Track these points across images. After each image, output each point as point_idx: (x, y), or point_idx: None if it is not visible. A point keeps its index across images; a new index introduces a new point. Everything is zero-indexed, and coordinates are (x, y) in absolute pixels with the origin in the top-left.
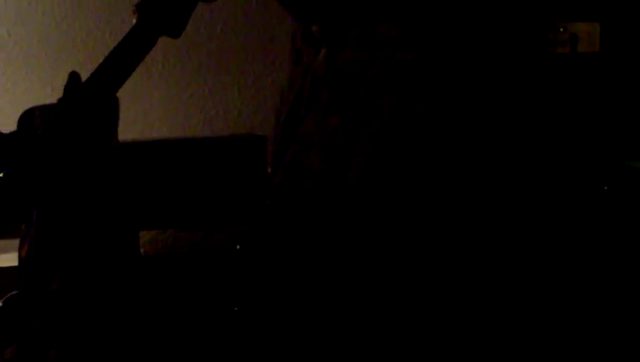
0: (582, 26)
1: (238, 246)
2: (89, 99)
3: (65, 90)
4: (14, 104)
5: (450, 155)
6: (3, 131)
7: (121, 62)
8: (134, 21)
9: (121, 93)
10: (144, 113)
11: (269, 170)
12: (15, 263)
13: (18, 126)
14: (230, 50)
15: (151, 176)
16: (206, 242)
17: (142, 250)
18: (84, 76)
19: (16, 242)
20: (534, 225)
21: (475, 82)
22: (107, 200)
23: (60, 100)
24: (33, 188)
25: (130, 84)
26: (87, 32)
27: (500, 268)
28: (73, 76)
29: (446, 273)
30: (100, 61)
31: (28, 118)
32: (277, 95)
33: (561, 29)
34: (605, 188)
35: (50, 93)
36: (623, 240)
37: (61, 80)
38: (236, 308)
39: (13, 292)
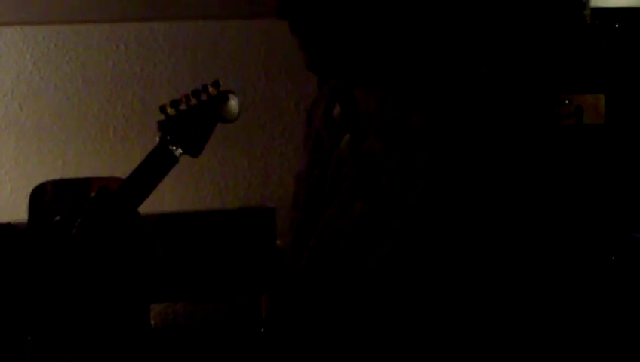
0: (587, 98)
1: (262, 330)
2: (113, 214)
3: (91, 202)
4: (26, 177)
5: (471, 239)
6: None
7: (144, 180)
8: (157, 139)
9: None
10: None
11: (278, 242)
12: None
13: (30, 201)
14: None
15: (162, 248)
16: (216, 314)
17: (152, 322)
18: (93, 150)
19: None
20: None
21: (493, 168)
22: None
23: (87, 209)
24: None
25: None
26: (98, 106)
27: (510, 335)
28: (102, 190)
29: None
30: (111, 137)
31: (40, 192)
32: (286, 167)
33: (567, 101)
34: (613, 258)
35: (61, 167)
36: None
37: (72, 154)
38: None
39: None
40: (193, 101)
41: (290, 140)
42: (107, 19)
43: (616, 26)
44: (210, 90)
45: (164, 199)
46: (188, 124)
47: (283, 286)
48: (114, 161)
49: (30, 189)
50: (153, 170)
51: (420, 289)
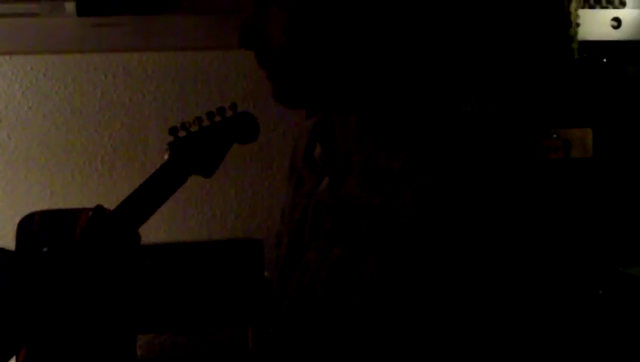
0: (574, 132)
1: None
2: (112, 234)
3: (88, 223)
4: (14, 207)
5: (451, 282)
6: (2, 236)
7: (148, 199)
8: (165, 157)
9: (120, 196)
10: None
11: (266, 274)
12: None
13: (17, 231)
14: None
15: (148, 279)
16: (203, 345)
17: (139, 353)
18: (81, 181)
19: None
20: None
21: (475, 207)
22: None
23: (82, 231)
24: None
25: (128, 186)
26: (86, 136)
27: None
28: (98, 210)
29: None
30: (99, 168)
31: (27, 223)
32: (274, 198)
33: (554, 135)
34: (600, 292)
35: (49, 197)
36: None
37: (61, 183)
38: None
39: None
40: (206, 122)
41: (278, 171)
42: (95, 50)
43: (604, 59)
44: (227, 111)
45: (150, 229)
46: (199, 145)
47: (263, 331)
48: (102, 191)
49: (17, 219)
50: (158, 189)
51: (398, 336)
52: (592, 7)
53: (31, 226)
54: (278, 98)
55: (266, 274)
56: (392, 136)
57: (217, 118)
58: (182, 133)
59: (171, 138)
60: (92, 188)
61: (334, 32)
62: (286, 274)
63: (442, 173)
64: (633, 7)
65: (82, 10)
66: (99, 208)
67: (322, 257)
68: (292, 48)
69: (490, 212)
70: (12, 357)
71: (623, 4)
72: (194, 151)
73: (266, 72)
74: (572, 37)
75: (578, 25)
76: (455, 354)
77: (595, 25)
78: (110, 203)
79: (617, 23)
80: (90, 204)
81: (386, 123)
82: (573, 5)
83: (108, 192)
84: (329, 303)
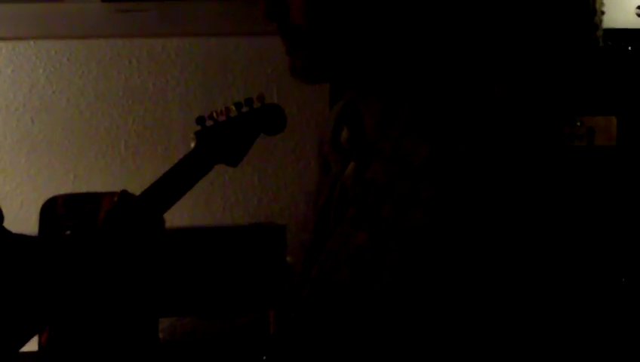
0: (599, 120)
1: (264, 358)
2: (137, 219)
3: (114, 207)
4: (37, 191)
5: (473, 271)
6: (26, 219)
7: (173, 186)
8: (192, 145)
9: (143, 181)
10: None
11: (288, 259)
12: (35, 348)
13: (41, 215)
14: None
15: (171, 263)
16: (225, 329)
17: (160, 336)
18: (104, 165)
19: None
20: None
21: (499, 199)
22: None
23: (107, 215)
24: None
25: (151, 171)
26: (110, 120)
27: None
28: (124, 195)
29: None
30: (122, 152)
31: (50, 206)
32: (297, 183)
33: (578, 123)
34: (623, 280)
35: (72, 181)
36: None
37: (84, 168)
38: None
39: None
40: (233, 113)
41: (301, 157)
42: (120, 35)
43: (629, 47)
44: (255, 102)
45: (174, 214)
46: (226, 134)
47: (285, 316)
48: (125, 176)
49: (41, 203)
50: (184, 176)
51: (421, 323)
52: None
53: (54, 210)
54: (293, 72)
55: (288, 259)
56: (417, 123)
57: (245, 109)
58: (209, 123)
59: (197, 126)
60: (115, 172)
61: (354, 8)
62: (310, 259)
63: (467, 164)
64: None
65: None
66: (125, 193)
67: (345, 243)
68: (310, 21)
69: (515, 204)
70: (34, 335)
71: None
72: (221, 140)
73: (286, 45)
74: (597, 25)
75: (603, 13)
76: (478, 344)
77: (620, 12)
78: (133, 187)
79: None
80: (113, 188)
81: (412, 108)
82: None
83: (131, 177)
84: (351, 290)
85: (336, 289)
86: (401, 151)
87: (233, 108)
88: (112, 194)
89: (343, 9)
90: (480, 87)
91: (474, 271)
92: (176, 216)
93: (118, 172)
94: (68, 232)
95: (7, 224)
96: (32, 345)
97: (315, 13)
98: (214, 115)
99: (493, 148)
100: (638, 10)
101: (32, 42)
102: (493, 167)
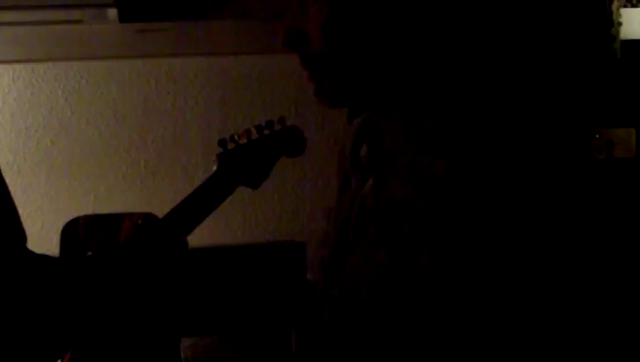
0: (618, 132)
1: None
2: (162, 241)
3: (138, 229)
4: (57, 212)
5: (495, 287)
6: (47, 240)
7: (196, 208)
8: (214, 168)
9: (163, 201)
10: None
11: (308, 276)
12: None
13: (62, 236)
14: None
15: (192, 282)
16: (246, 348)
17: (182, 356)
18: (124, 186)
19: None
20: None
21: (519, 209)
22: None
23: (132, 236)
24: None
25: (170, 191)
26: (129, 141)
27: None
28: (148, 217)
29: None
30: (142, 172)
31: (71, 228)
32: (316, 201)
33: (597, 136)
34: None
35: (92, 202)
36: None
37: (104, 188)
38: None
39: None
40: (255, 135)
41: (320, 174)
42: (138, 55)
43: None
44: (275, 125)
45: (193, 234)
46: (247, 157)
47: (306, 336)
48: (145, 196)
49: (61, 224)
50: (206, 199)
51: (444, 343)
52: (634, 5)
53: (75, 231)
54: (319, 97)
55: (308, 276)
56: (434, 139)
57: (266, 132)
58: (231, 146)
59: (217, 146)
60: (135, 192)
61: (372, 31)
62: (330, 278)
63: (486, 175)
64: None
65: (125, 17)
66: (149, 216)
67: (366, 262)
68: (329, 47)
69: (536, 213)
70: (58, 359)
71: None
72: (242, 163)
73: (308, 72)
74: (614, 36)
75: (620, 24)
76: (510, 352)
77: (637, 24)
78: (153, 207)
79: None
80: (133, 208)
81: (428, 125)
82: (615, 4)
83: (151, 197)
84: (372, 311)
85: (357, 310)
86: (419, 166)
87: (254, 130)
88: (132, 214)
89: (360, 35)
90: (497, 101)
91: (497, 291)
92: (196, 236)
93: (139, 192)
94: (89, 253)
95: (29, 245)
96: None
97: (333, 41)
98: (236, 137)
99: (511, 162)
100: None
101: (50, 64)
102: (511, 181)
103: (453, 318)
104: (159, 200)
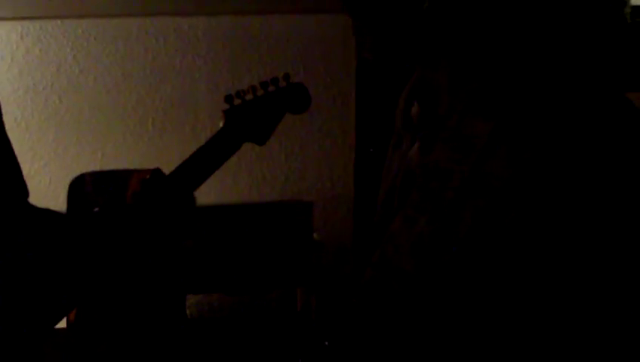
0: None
1: (326, 343)
2: (169, 197)
3: (146, 184)
4: (65, 169)
5: (536, 263)
6: (54, 196)
7: (203, 164)
8: (221, 125)
9: (170, 159)
10: None
11: (315, 236)
12: (64, 325)
13: (69, 192)
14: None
15: (198, 240)
16: (252, 306)
17: (188, 313)
18: (132, 143)
19: None
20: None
21: (568, 170)
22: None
23: (139, 192)
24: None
25: (178, 148)
26: (137, 99)
27: None
28: (156, 173)
29: None
30: (149, 130)
31: (78, 184)
32: (324, 161)
33: None
34: None
35: (100, 159)
36: None
37: (111, 146)
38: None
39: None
40: (260, 92)
41: (327, 134)
42: (147, 13)
43: None
44: (280, 82)
45: (201, 191)
46: (253, 113)
47: (346, 301)
48: (152, 154)
49: (69, 181)
50: (214, 154)
51: (485, 312)
52: None
53: (82, 187)
54: (360, 50)
55: (315, 236)
56: (480, 100)
57: (271, 88)
58: (237, 102)
59: (224, 104)
60: (142, 150)
61: None
62: (373, 241)
63: (532, 138)
64: None
65: None
66: (157, 171)
67: (407, 227)
68: None
69: (585, 176)
70: (65, 316)
71: None
72: (248, 119)
73: (353, 24)
74: (625, 1)
75: None
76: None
77: None
78: (161, 164)
79: None
80: (140, 165)
81: (476, 86)
82: None
83: (158, 154)
84: (411, 278)
85: (397, 276)
86: (463, 131)
87: (259, 87)
88: (139, 171)
89: None
90: (536, 67)
91: (538, 267)
92: (204, 194)
93: (146, 150)
94: (96, 209)
95: (36, 201)
96: (60, 322)
97: None
98: (242, 93)
99: (558, 128)
100: None
101: (59, 21)
102: (559, 148)
103: (491, 290)
104: (167, 157)
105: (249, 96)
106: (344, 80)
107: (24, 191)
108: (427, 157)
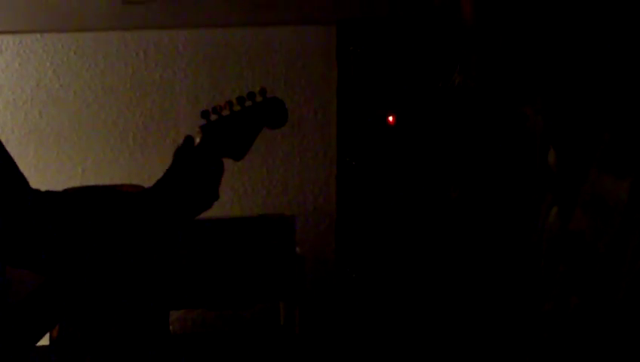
0: None
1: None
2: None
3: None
4: (45, 184)
5: None
6: None
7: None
8: (197, 140)
9: (151, 173)
10: None
11: (297, 250)
12: (46, 342)
13: None
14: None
15: (180, 255)
16: (235, 321)
17: (171, 328)
18: (112, 158)
19: None
20: None
21: None
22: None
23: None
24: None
25: (159, 163)
26: (117, 113)
27: None
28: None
29: None
30: (130, 145)
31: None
32: (305, 175)
33: None
34: None
35: (81, 174)
36: None
37: (92, 161)
38: None
39: None
40: (237, 107)
41: (308, 149)
42: (127, 27)
43: None
44: (257, 96)
45: None
46: (230, 128)
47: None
48: (133, 168)
49: None
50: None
51: None
52: None
53: None
54: (464, 78)
55: (297, 249)
56: (615, 156)
57: (248, 103)
58: (214, 117)
59: (202, 120)
60: (123, 165)
61: (523, 12)
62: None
63: None
64: None
65: None
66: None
67: (560, 307)
68: (478, 22)
69: None
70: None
71: None
72: (225, 134)
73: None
74: None
75: None
76: None
77: None
78: (141, 179)
79: None
80: (121, 180)
81: (611, 143)
82: None
83: (140, 169)
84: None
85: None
86: (601, 192)
87: (236, 102)
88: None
89: (510, 14)
90: None
91: None
92: None
93: (127, 165)
94: None
95: None
96: (43, 339)
97: (482, 16)
98: (218, 108)
99: None
100: None
101: (38, 35)
102: None
103: None
104: (148, 172)
105: (225, 112)
106: (325, 93)
107: (23, 179)
108: (567, 225)
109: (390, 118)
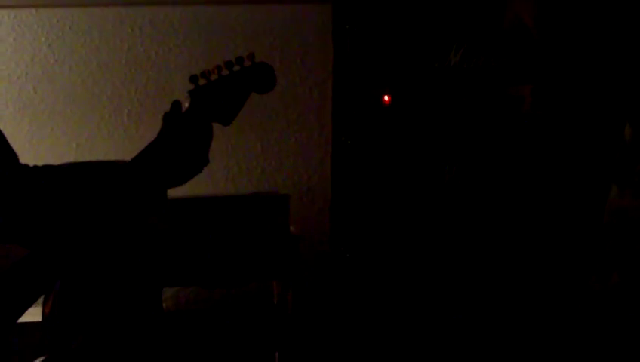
0: None
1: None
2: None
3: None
4: (40, 160)
5: None
6: None
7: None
8: (186, 105)
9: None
10: None
11: (292, 228)
12: (39, 318)
13: None
14: (253, 108)
15: (174, 233)
16: (228, 299)
17: (164, 306)
18: (107, 134)
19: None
20: None
21: None
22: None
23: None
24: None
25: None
26: (112, 89)
27: None
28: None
29: None
30: (125, 121)
31: None
32: (300, 153)
33: None
34: None
35: (75, 150)
36: None
37: (86, 136)
38: None
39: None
40: (225, 72)
41: (304, 127)
42: (122, 3)
43: None
44: (245, 61)
45: None
46: (219, 93)
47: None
48: (127, 144)
49: None
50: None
51: None
52: None
53: None
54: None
55: (291, 228)
56: None
57: (236, 68)
58: (202, 82)
59: (190, 85)
60: (118, 141)
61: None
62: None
63: None
64: None
65: None
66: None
67: (602, 281)
68: (541, 36)
69: None
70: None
71: None
72: (214, 99)
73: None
74: None
75: None
76: None
77: None
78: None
79: None
80: (115, 156)
81: None
82: None
83: (134, 145)
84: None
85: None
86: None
87: (224, 66)
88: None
89: (571, 28)
90: None
91: None
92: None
93: (121, 140)
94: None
95: None
96: (35, 316)
97: (544, 31)
98: (207, 73)
99: None
100: None
101: (33, 10)
102: None
103: None
104: (141, 148)
105: (214, 76)
106: (321, 71)
107: (14, 155)
108: (619, 201)
109: (386, 98)
